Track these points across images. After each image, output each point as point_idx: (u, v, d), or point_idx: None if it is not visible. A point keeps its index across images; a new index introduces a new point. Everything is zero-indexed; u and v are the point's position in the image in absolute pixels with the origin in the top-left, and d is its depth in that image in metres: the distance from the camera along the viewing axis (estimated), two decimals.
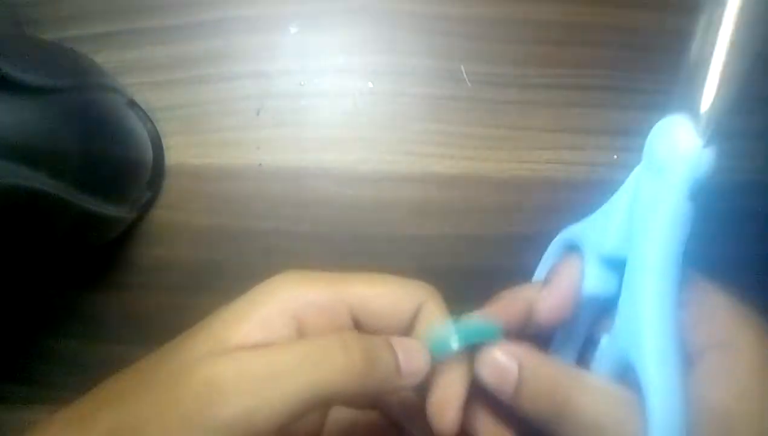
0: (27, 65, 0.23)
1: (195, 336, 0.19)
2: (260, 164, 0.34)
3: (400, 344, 0.20)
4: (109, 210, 0.28)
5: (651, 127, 0.22)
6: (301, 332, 0.19)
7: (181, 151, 0.34)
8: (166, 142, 0.34)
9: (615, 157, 0.35)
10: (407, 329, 0.21)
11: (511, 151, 0.35)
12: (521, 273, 0.35)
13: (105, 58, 0.34)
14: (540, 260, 0.35)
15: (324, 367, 0.17)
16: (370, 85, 0.35)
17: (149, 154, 0.32)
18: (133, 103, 0.32)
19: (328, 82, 0.35)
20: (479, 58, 0.35)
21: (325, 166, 0.34)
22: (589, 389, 0.20)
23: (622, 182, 0.23)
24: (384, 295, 0.20)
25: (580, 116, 0.35)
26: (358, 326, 0.20)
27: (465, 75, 0.35)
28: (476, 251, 0.34)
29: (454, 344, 0.20)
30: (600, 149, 0.35)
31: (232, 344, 0.18)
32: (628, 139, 0.35)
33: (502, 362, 0.21)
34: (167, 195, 0.34)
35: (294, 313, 0.19)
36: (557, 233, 0.36)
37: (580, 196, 0.35)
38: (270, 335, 0.18)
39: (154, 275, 0.33)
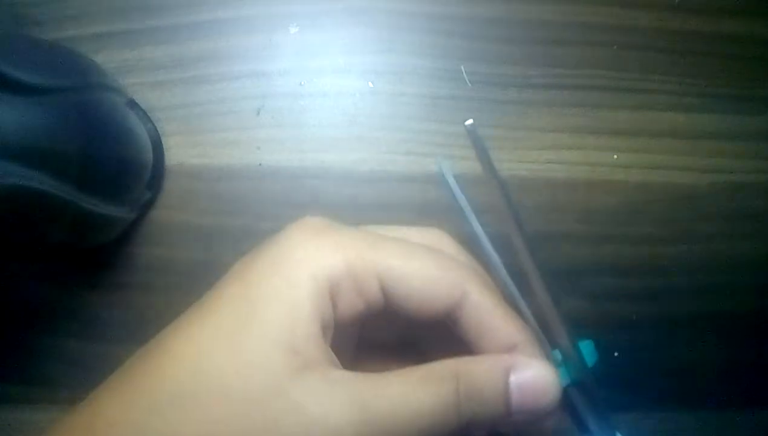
0: (27, 65, 0.23)
1: (245, 331, 0.17)
2: (260, 164, 0.34)
3: (522, 379, 0.18)
4: (109, 210, 0.28)
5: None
6: (334, 304, 0.18)
7: (181, 151, 0.34)
8: (166, 142, 0.34)
9: (615, 157, 0.35)
10: (440, 314, 0.19)
11: (511, 151, 0.35)
12: (521, 273, 0.35)
13: (105, 58, 0.34)
14: (539, 259, 0.35)
15: (438, 425, 0.17)
16: (370, 85, 0.35)
17: (149, 154, 0.32)
18: (133, 103, 0.32)
19: (328, 82, 0.35)
20: (479, 58, 0.35)
21: (325, 166, 0.34)
22: None
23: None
24: (422, 274, 0.19)
25: (580, 116, 0.35)
26: (386, 295, 0.19)
27: (465, 75, 0.35)
28: (476, 250, 0.34)
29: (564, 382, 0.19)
30: (600, 149, 0.35)
31: (299, 347, 0.17)
32: (628, 139, 0.35)
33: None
34: (167, 195, 0.34)
35: (329, 290, 0.18)
36: (557, 233, 0.36)
37: (580, 196, 0.35)
38: (319, 318, 0.17)
39: (154, 275, 0.33)
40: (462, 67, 0.35)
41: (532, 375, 0.18)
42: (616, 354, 0.35)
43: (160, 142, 0.33)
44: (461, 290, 0.19)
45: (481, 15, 0.36)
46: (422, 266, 0.19)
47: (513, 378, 0.18)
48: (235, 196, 0.34)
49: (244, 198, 0.34)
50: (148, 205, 0.33)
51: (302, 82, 0.35)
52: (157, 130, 0.33)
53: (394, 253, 0.19)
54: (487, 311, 0.19)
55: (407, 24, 0.35)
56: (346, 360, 0.21)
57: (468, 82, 0.35)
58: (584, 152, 0.35)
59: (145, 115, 0.33)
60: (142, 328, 0.33)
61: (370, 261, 0.18)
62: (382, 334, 0.23)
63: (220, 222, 0.34)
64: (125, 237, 0.33)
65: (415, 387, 0.17)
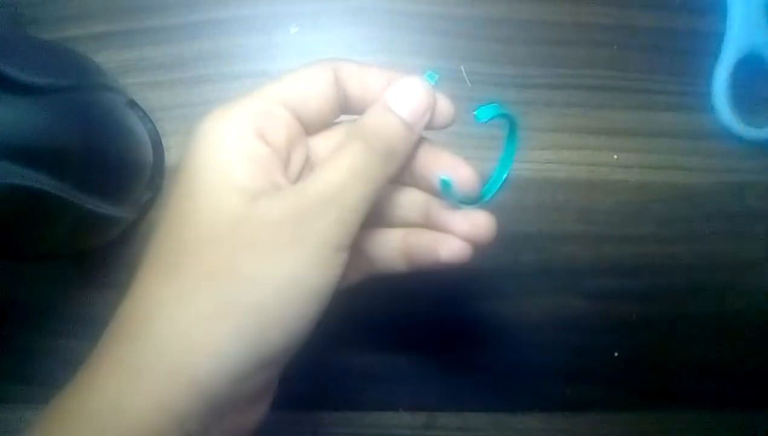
0: (27, 65, 0.23)
1: (201, 196, 0.20)
2: None
3: (399, 99, 0.21)
4: (109, 210, 0.28)
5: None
6: (265, 141, 0.21)
7: (181, 151, 0.34)
8: (166, 142, 0.34)
9: (615, 157, 0.35)
10: (335, 101, 0.23)
11: None
12: (522, 272, 0.35)
13: (105, 58, 0.34)
14: (539, 258, 0.35)
15: (370, 173, 0.20)
16: None
17: (149, 154, 0.32)
18: (133, 103, 0.32)
19: None
20: (479, 58, 0.35)
21: None
22: None
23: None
24: (301, 82, 0.22)
25: (580, 116, 0.35)
26: (299, 118, 0.22)
27: (465, 75, 0.35)
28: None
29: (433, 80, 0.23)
30: (600, 149, 0.35)
31: (242, 186, 0.20)
32: (628, 139, 0.35)
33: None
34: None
35: (254, 132, 0.21)
36: (557, 233, 0.36)
37: (580, 196, 0.35)
38: (250, 158, 0.20)
39: None
40: (462, 67, 0.35)
41: (403, 90, 0.22)
42: (616, 354, 0.35)
43: (160, 142, 0.33)
44: (331, 71, 0.23)
45: (481, 15, 0.36)
46: (298, 76, 0.22)
47: (391, 103, 0.21)
48: None
49: None
50: (148, 205, 0.33)
51: None
52: (157, 130, 0.33)
53: (278, 84, 0.22)
54: (359, 72, 0.23)
55: (407, 24, 0.35)
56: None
57: (468, 82, 0.35)
58: (584, 152, 0.35)
59: (145, 115, 0.33)
60: None
61: (269, 99, 0.22)
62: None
63: None
64: (125, 237, 0.33)
65: (333, 162, 0.20)
